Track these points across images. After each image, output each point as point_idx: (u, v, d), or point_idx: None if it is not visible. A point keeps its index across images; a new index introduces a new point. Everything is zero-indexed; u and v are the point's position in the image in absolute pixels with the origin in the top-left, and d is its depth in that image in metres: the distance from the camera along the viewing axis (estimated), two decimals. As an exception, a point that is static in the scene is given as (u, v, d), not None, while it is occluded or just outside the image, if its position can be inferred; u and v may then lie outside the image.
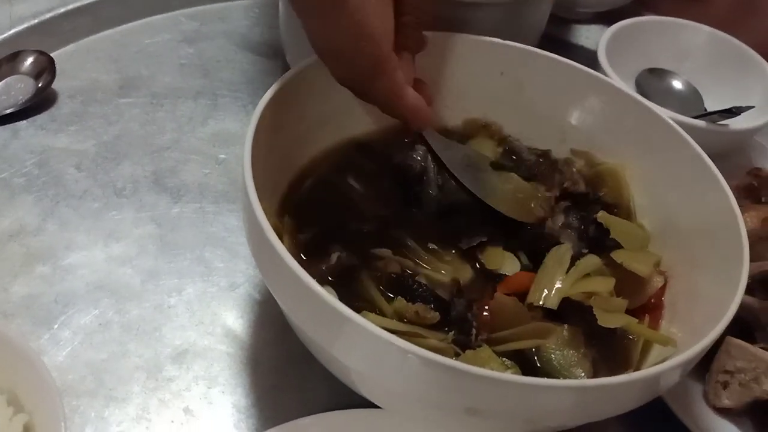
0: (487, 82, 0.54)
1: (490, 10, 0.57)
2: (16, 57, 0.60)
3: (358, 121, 0.52)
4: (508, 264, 0.46)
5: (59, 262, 0.49)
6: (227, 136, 0.61)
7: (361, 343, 0.35)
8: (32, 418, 0.34)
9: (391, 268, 0.44)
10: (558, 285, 0.43)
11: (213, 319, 0.48)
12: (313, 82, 0.47)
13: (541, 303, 0.42)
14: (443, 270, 0.45)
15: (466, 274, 0.45)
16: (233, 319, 0.48)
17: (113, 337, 0.46)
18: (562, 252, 0.44)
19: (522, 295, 0.44)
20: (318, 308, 0.35)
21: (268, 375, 0.46)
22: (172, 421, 0.42)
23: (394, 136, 0.53)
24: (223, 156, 0.59)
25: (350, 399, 0.42)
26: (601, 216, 0.46)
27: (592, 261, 0.44)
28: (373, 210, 0.48)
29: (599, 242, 0.46)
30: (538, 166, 0.52)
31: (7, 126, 0.58)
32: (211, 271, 0.51)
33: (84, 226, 0.52)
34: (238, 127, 0.62)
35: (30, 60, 0.60)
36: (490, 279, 0.45)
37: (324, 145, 0.51)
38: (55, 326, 0.46)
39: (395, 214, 0.48)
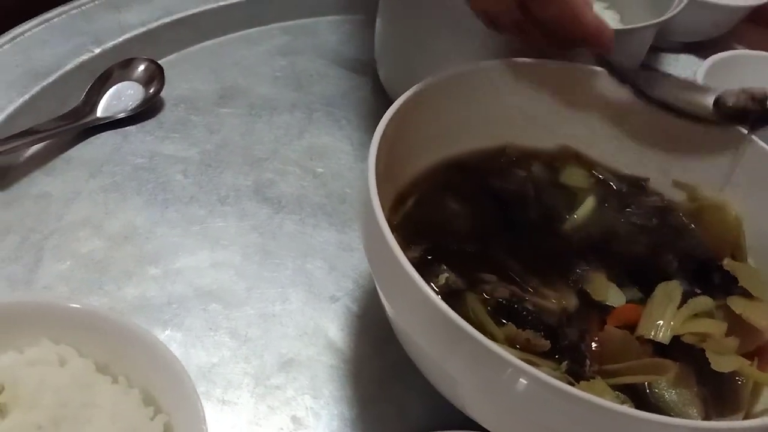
0: (589, 111, 0.55)
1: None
2: (128, 64, 0.62)
3: (460, 141, 0.53)
4: (613, 295, 0.46)
5: (169, 266, 0.51)
6: (322, 149, 0.63)
7: (482, 362, 0.36)
8: (171, 418, 0.36)
9: (499, 293, 0.45)
10: (669, 321, 0.43)
11: (315, 330, 0.49)
12: (424, 103, 0.49)
13: (652, 337, 0.43)
14: (549, 297, 0.46)
15: (571, 302, 0.46)
16: (334, 331, 0.49)
17: (222, 341, 0.48)
18: (672, 288, 0.45)
19: (627, 327, 0.44)
20: (440, 324, 0.36)
21: (369, 388, 0.47)
22: (281, 429, 0.44)
23: (494, 158, 0.54)
24: (320, 170, 0.61)
25: (449, 418, 0.43)
26: (728, 264, 0.46)
27: (704, 302, 0.44)
28: (474, 231, 0.50)
29: (718, 286, 0.46)
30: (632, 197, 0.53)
31: (118, 130, 0.60)
32: (312, 283, 0.52)
33: (191, 231, 0.54)
34: (332, 142, 0.64)
35: (141, 68, 0.63)
36: (595, 309, 0.46)
37: (426, 164, 0.52)
38: (168, 329, 0.48)
39: (496, 236, 0.49)
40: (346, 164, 0.62)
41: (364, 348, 0.49)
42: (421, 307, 0.37)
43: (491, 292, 0.45)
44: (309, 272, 0.53)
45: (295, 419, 0.44)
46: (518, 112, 0.54)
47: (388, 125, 0.45)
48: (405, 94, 0.47)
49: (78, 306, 0.38)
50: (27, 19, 0.65)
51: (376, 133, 0.44)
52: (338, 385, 0.46)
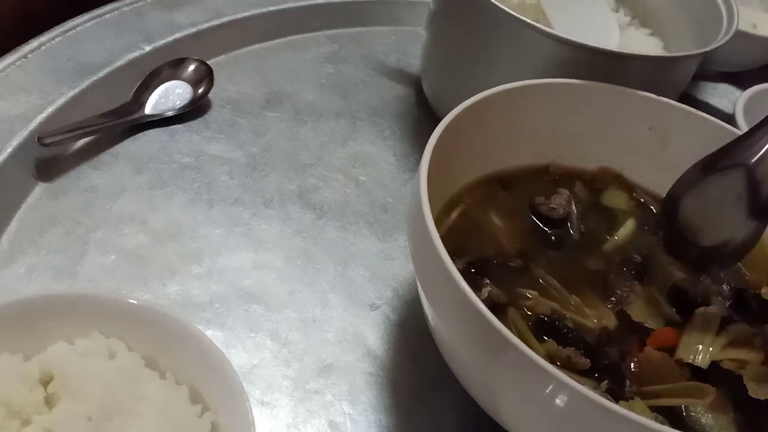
0: (633, 135, 0.55)
1: (643, 63, 0.57)
2: (179, 64, 0.63)
3: (505, 157, 0.54)
4: (652, 317, 0.46)
5: (212, 265, 0.52)
6: (366, 158, 0.63)
7: (526, 375, 0.36)
8: (218, 417, 0.36)
9: (540, 309, 0.45)
10: (708, 347, 0.43)
11: (354, 337, 0.49)
12: (474, 118, 0.49)
13: (691, 361, 0.42)
14: (589, 316, 0.46)
15: (610, 322, 0.46)
16: (374, 339, 0.50)
17: (263, 343, 0.48)
18: (710, 313, 0.45)
19: (665, 350, 0.44)
20: (486, 335, 0.36)
21: (406, 397, 0.47)
22: (319, 433, 0.44)
23: (538, 176, 0.54)
24: (363, 178, 0.61)
25: (485, 429, 0.43)
26: (766, 292, 0.46)
27: (742, 329, 0.44)
28: (515, 247, 0.50)
29: (756, 313, 0.46)
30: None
31: (165, 128, 0.61)
32: (352, 290, 0.52)
33: (235, 232, 0.55)
34: (375, 151, 0.64)
35: (191, 68, 0.63)
36: (635, 330, 0.46)
37: (471, 178, 0.53)
38: (210, 328, 0.48)
39: (538, 253, 0.50)
40: (389, 174, 0.62)
41: (402, 357, 0.49)
42: (468, 317, 0.37)
43: (533, 308, 0.45)
44: (350, 279, 0.53)
45: (332, 424, 0.44)
46: (564, 132, 0.55)
47: (439, 138, 0.45)
48: (456, 108, 0.48)
49: (131, 301, 0.38)
50: (79, 14, 0.66)
51: (428, 145, 0.44)
52: (376, 393, 0.47)
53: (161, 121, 0.61)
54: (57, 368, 0.36)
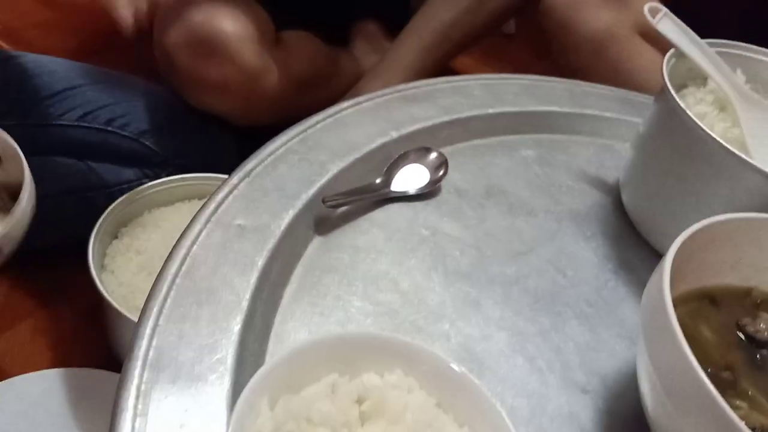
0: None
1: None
2: (421, 150, 0.75)
3: (712, 276, 0.61)
4: None
5: (450, 329, 0.61)
6: (570, 255, 0.72)
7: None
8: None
9: (751, 420, 0.51)
10: None
11: (570, 415, 0.57)
12: (691, 241, 0.57)
13: None
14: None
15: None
16: (585, 420, 0.57)
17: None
18: None
19: None
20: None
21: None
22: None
23: (742, 298, 0.61)
24: (569, 272, 0.70)
25: None
26: None
27: None
28: (724, 360, 0.56)
29: None
30: None
31: (407, 203, 0.72)
32: (565, 373, 0.60)
33: (466, 302, 0.64)
34: (578, 250, 0.73)
35: (431, 156, 0.75)
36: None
37: (683, 289, 0.60)
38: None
39: (745, 369, 0.56)
40: (591, 273, 0.70)
41: (613, 439, 0.56)
42: (710, 421, 0.44)
43: (744, 418, 0.51)
44: (562, 362, 0.61)
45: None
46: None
47: (674, 259, 0.53)
48: (683, 235, 0.55)
49: (425, 347, 0.48)
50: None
51: (665, 264, 0.52)
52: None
53: (404, 198, 0.72)
54: (370, 393, 0.45)
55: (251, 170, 0.68)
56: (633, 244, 0.75)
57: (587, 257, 0.72)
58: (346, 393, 0.44)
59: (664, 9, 0.73)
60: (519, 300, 0.66)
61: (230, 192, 0.65)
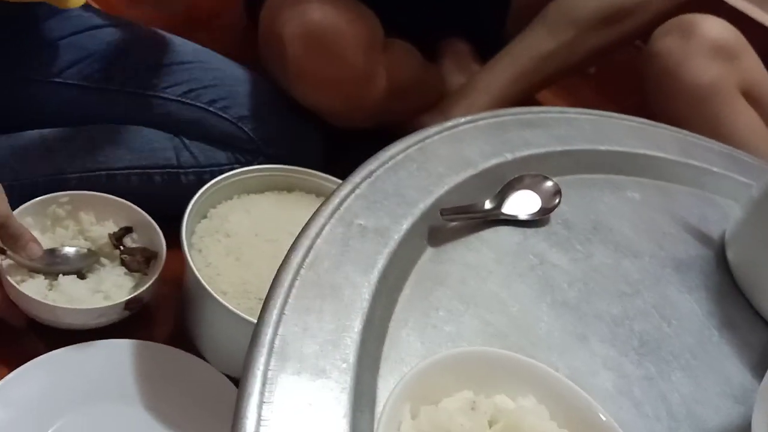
0: None
1: None
2: (540, 178, 0.74)
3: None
4: None
5: (558, 360, 0.60)
6: (674, 303, 0.71)
7: None
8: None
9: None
10: None
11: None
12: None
13: None
14: None
15: None
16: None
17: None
18: None
19: None
20: None
21: None
22: None
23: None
24: (674, 322, 0.69)
25: None
26: None
27: None
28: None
29: None
30: None
31: (517, 228, 0.71)
32: (671, 425, 0.59)
33: (573, 335, 0.63)
34: (681, 299, 0.71)
35: (546, 184, 0.74)
36: None
37: None
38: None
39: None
40: (695, 326, 0.69)
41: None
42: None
43: None
44: (669, 412, 0.60)
45: None
46: None
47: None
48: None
49: (560, 376, 0.47)
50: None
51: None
52: None
53: (513, 222, 0.72)
54: (502, 416, 0.45)
55: (373, 171, 0.68)
56: (735, 302, 0.74)
57: (691, 309, 0.71)
58: (484, 412, 0.44)
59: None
60: (625, 342, 0.65)
61: (353, 190, 0.65)
